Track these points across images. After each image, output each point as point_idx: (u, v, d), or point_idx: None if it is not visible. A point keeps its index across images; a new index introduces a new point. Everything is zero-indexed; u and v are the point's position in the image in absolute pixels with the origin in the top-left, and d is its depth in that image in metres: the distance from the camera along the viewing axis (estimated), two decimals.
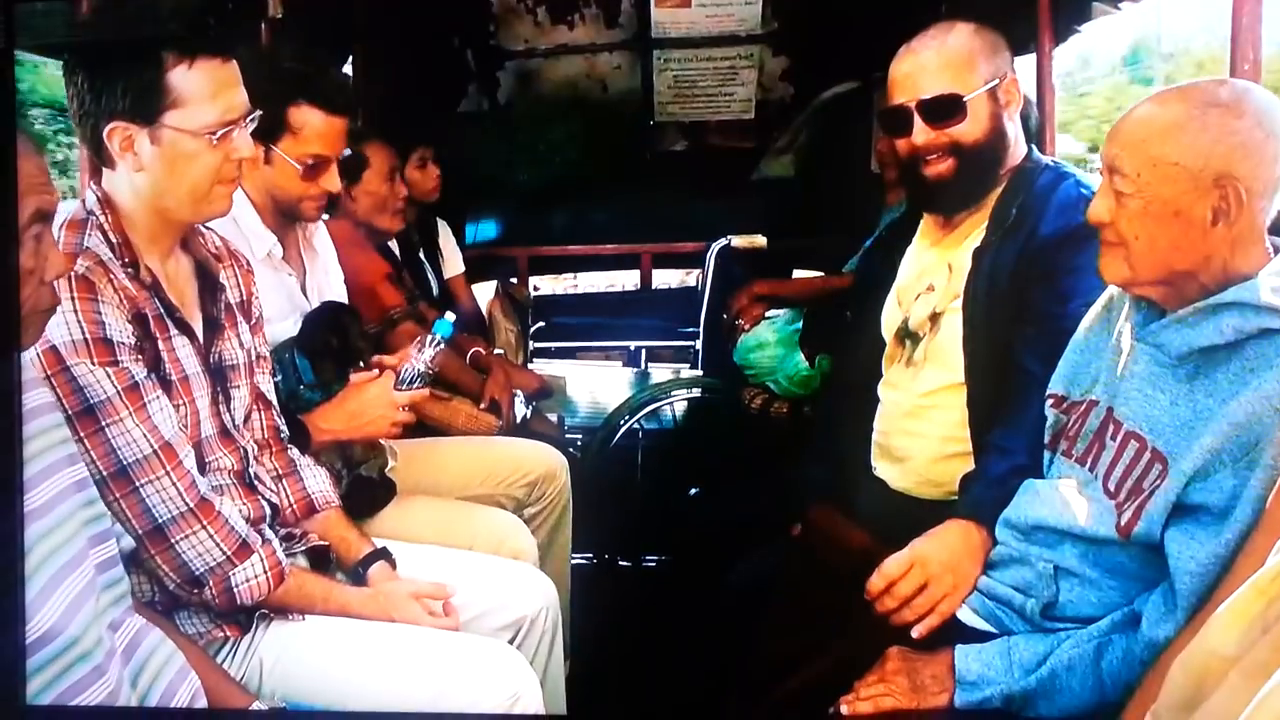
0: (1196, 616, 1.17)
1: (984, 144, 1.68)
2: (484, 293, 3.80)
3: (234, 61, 1.46)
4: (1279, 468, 1.14)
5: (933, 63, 1.66)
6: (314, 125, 1.86)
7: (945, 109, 1.66)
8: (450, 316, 2.16)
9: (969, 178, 1.71)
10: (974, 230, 1.75)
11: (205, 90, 1.42)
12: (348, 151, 1.96)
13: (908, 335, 1.82)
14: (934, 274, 1.80)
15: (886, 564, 1.51)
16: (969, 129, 1.67)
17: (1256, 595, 0.96)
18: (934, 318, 1.76)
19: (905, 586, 1.49)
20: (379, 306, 2.47)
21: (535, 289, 4.39)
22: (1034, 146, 1.79)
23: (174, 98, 1.40)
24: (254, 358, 1.66)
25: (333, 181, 1.91)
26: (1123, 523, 1.29)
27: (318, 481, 1.75)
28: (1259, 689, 0.87)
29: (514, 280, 4.14)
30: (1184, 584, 1.20)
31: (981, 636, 1.45)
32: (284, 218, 1.96)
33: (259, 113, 1.49)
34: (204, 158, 1.43)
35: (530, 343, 3.87)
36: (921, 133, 1.68)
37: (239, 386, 1.60)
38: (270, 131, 1.82)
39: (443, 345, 2.00)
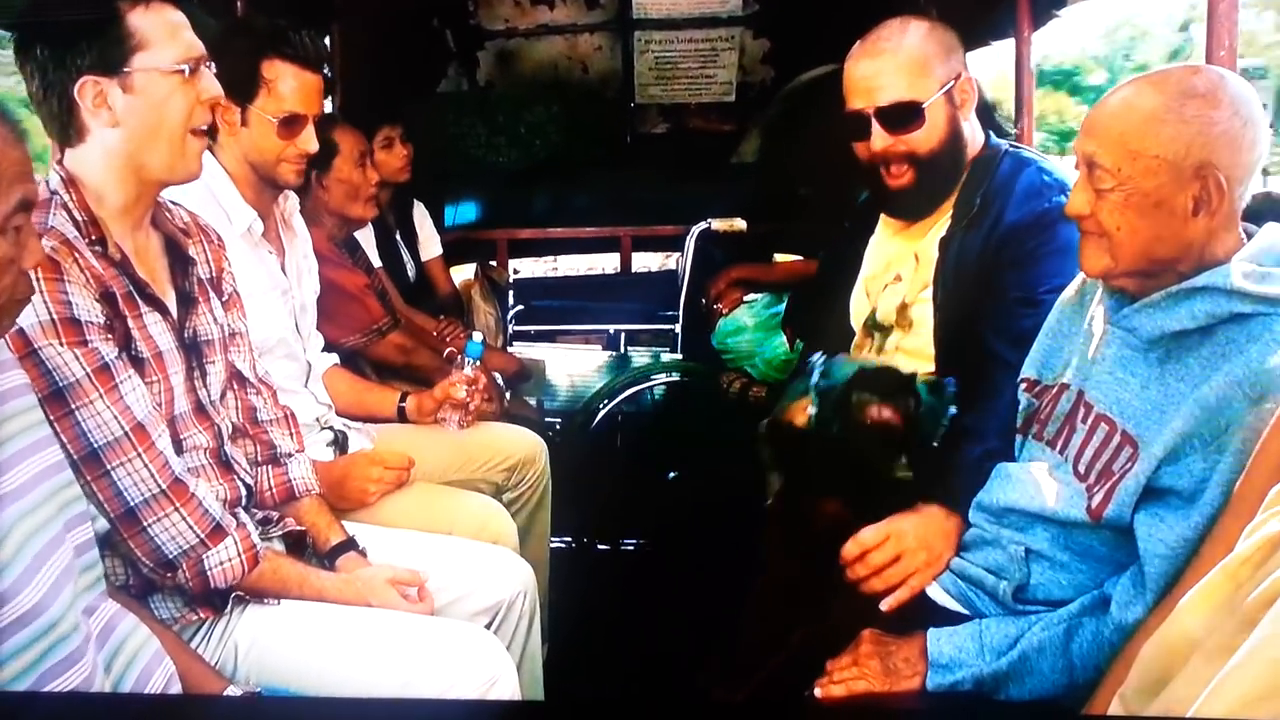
0: (1165, 600, 1.18)
1: (941, 151, 1.70)
2: (463, 276, 3.78)
3: (180, 11, 1.46)
4: (1248, 452, 1.15)
5: (889, 67, 1.66)
6: (287, 80, 1.87)
7: (904, 116, 1.67)
8: (479, 336, 2.24)
9: (930, 185, 1.73)
10: (939, 219, 1.76)
11: (165, 29, 1.42)
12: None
13: (876, 327, 1.83)
14: (901, 264, 1.81)
15: (863, 532, 1.53)
16: (926, 136, 1.68)
17: (1225, 579, 0.97)
18: (903, 309, 1.77)
19: (879, 556, 1.51)
20: (362, 321, 2.45)
21: (515, 272, 4.37)
22: (991, 133, 1.80)
23: (138, 39, 1.39)
24: (228, 334, 1.65)
25: (310, 142, 1.91)
26: (1093, 505, 1.31)
27: (300, 468, 1.74)
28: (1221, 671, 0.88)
29: (493, 263, 4.12)
30: (1153, 566, 1.21)
31: (953, 617, 1.46)
32: (264, 186, 1.94)
33: (211, 61, 1.49)
34: (177, 98, 1.43)
35: (509, 326, 3.86)
36: (880, 139, 1.69)
37: (214, 362, 1.58)
38: (245, 90, 1.82)
39: (479, 365, 2.15)
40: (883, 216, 1.89)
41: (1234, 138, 1.23)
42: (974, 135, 1.76)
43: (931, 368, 1.73)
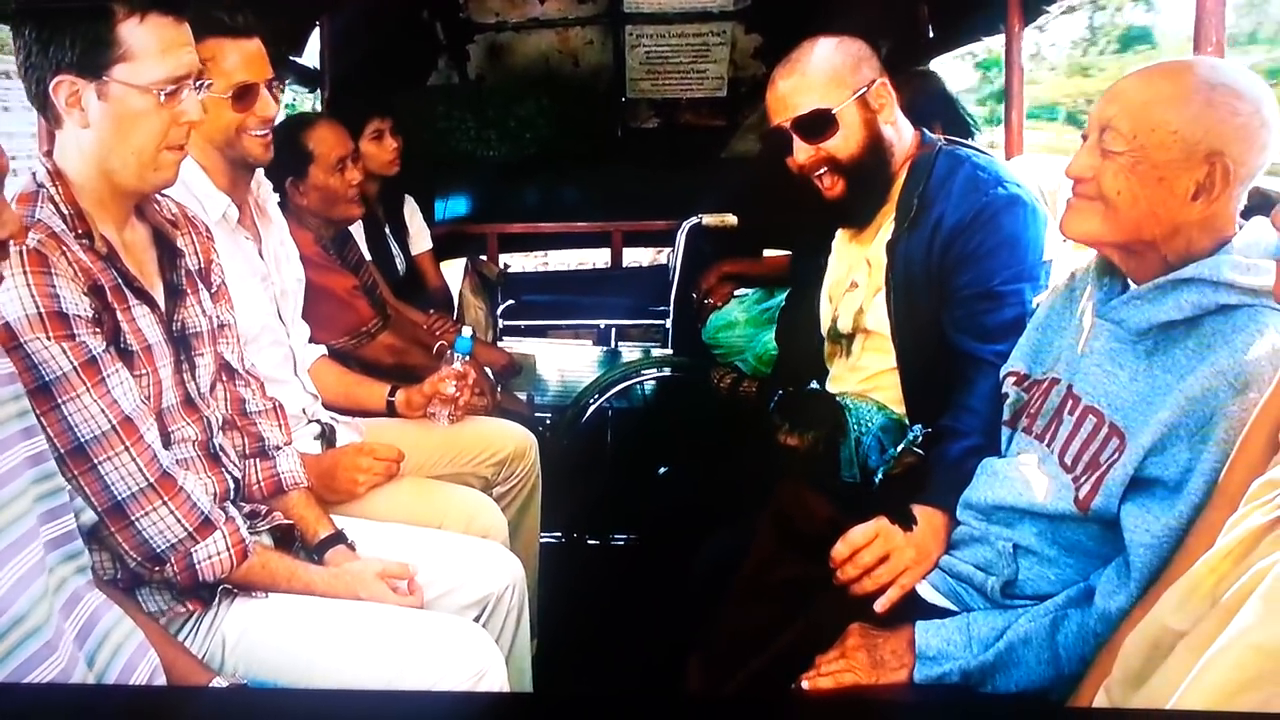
0: (1150, 590, 1.19)
1: (862, 155, 1.75)
2: (454, 270, 3.77)
3: (185, 23, 1.43)
4: (1232, 442, 1.16)
5: (801, 83, 1.74)
6: (227, 54, 1.84)
7: (817, 124, 1.73)
8: (467, 331, 2.22)
9: (863, 190, 1.78)
10: (884, 222, 1.81)
11: (155, 45, 1.39)
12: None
13: (841, 335, 1.87)
14: (856, 270, 1.87)
15: (852, 532, 1.53)
16: (843, 143, 1.73)
17: (1208, 572, 0.98)
18: (860, 314, 1.82)
19: (868, 555, 1.51)
20: (350, 324, 2.43)
21: (505, 266, 4.36)
22: (925, 131, 1.84)
23: (123, 51, 1.37)
24: (216, 325, 1.64)
25: (268, 106, 1.89)
26: (1081, 496, 1.31)
27: (288, 461, 1.73)
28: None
29: (484, 258, 4.11)
30: (1138, 556, 1.22)
31: (943, 614, 1.46)
32: (235, 171, 1.92)
33: (210, 81, 1.46)
34: (151, 117, 1.40)
35: (500, 320, 3.85)
36: (801, 150, 1.75)
37: (203, 354, 1.58)
38: None
39: (468, 360, 2.14)
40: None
41: (1251, 133, 1.24)
42: (900, 137, 1.79)
43: (895, 363, 1.78)
